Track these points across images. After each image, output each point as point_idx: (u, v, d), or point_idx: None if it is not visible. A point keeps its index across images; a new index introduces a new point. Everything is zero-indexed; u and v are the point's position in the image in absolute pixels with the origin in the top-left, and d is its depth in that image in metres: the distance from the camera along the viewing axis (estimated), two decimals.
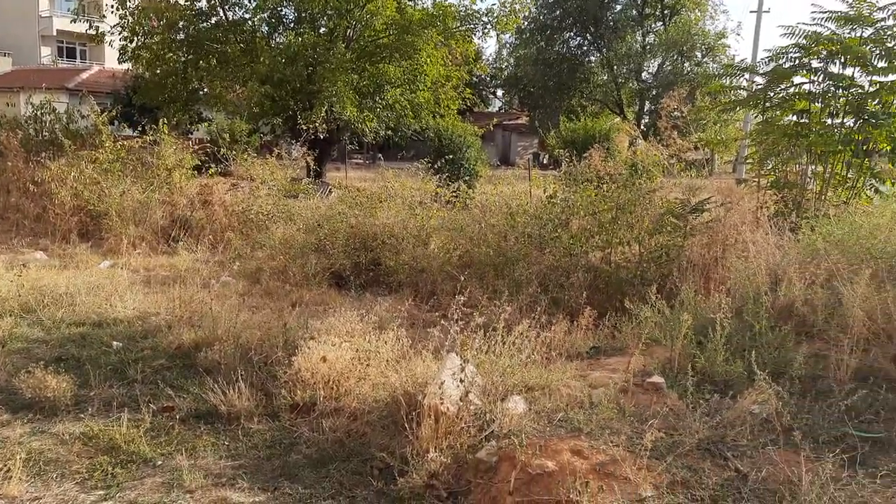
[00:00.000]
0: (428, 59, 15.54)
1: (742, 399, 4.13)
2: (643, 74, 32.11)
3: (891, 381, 4.31)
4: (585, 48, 31.92)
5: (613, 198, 7.80)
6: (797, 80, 8.55)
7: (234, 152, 11.75)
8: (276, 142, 14.80)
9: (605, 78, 32.51)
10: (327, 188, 12.71)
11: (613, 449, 3.50)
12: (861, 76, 8.27)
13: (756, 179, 8.82)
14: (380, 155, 14.91)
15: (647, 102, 31.23)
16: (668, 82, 26.71)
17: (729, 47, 33.82)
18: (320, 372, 4.29)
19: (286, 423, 4.25)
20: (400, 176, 10.24)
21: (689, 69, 28.48)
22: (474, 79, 30.96)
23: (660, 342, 5.24)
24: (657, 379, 4.58)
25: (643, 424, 3.92)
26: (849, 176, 8.48)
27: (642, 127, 26.53)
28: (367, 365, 4.48)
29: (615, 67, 31.66)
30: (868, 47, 8.03)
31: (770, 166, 8.73)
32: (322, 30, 16.58)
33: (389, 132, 17.07)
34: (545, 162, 25.40)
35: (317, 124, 14.61)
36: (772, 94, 8.47)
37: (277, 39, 16.81)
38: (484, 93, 39.42)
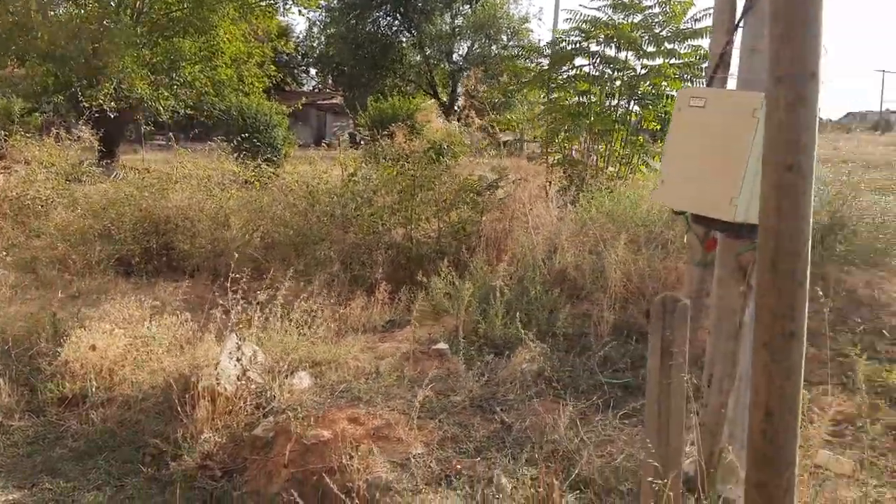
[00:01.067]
0: (225, 35, 14.94)
1: (515, 358, 4.43)
2: (454, 56, 33.03)
3: (642, 334, 4.82)
4: (396, 28, 32.21)
5: (412, 175, 7.99)
6: (580, 62, 9.22)
7: (6, 133, 10.67)
8: (59, 121, 13.60)
9: (418, 59, 33.06)
10: (116, 171, 11.89)
11: (390, 413, 3.64)
12: (634, 60, 9.07)
13: (545, 157, 9.42)
14: (170, 134, 14.00)
15: (459, 84, 32.19)
16: (478, 64, 27.69)
17: (532, 31, 35.57)
18: (91, 362, 4.06)
19: (52, 417, 3.98)
20: (196, 156, 9.81)
21: (496, 51, 29.67)
22: (285, 56, 30.23)
23: (449, 312, 5.49)
24: (441, 346, 4.80)
25: (423, 389, 4.10)
26: (626, 152, 9.28)
27: (456, 108, 27.24)
28: (147, 352, 4.31)
29: (426, 49, 32.27)
30: (639, 33, 8.80)
31: (556, 144, 9.36)
32: (109, 2, 15.38)
33: (191, 111, 16.24)
34: (361, 142, 25.31)
35: (102, 102, 13.58)
36: (556, 76, 9.06)
37: (57, 12, 15.36)
38: (296, 71, 38.61)
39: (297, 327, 4.60)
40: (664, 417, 2.95)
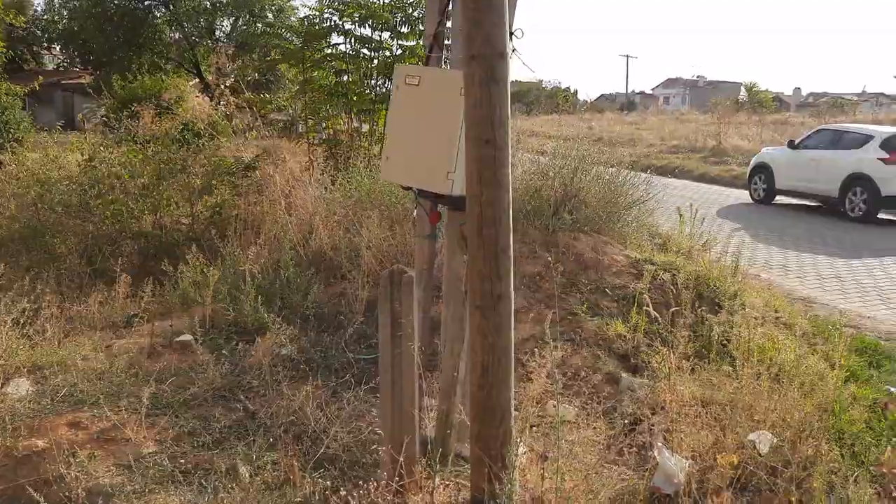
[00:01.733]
0: None
1: (263, 343, 4.32)
2: (216, 33, 31.45)
3: None
4: (149, 2, 29.90)
5: (159, 159, 7.48)
6: (337, 40, 9.15)
7: None
8: None
9: (177, 36, 31.07)
10: None
11: (118, 414, 3.38)
12: (390, 40, 9.17)
13: (307, 137, 9.28)
14: None
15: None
16: (242, 42, 26.58)
17: (297, 10, 34.79)
18: None
19: None
20: None
21: (261, 29, 28.68)
22: (21, 32, 26.83)
23: (198, 301, 5.22)
24: (186, 337, 4.56)
25: (161, 385, 3.86)
26: None
27: (223, 86, 25.90)
28: None
29: (185, 25, 30.38)
30: (393, 13, 8.91)
31: (317, 124, 9.25)
32: None
33: None
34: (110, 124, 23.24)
35: None
36: (311, 54, 8.92)
37: None
38: (35, 48, 34.55)
39: (17, 329, 4.12)
40: (398, 386, 3.03)
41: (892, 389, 4.49)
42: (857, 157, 11.82)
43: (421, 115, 3.11)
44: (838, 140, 12.55)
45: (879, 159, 11.44)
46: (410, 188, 3.27)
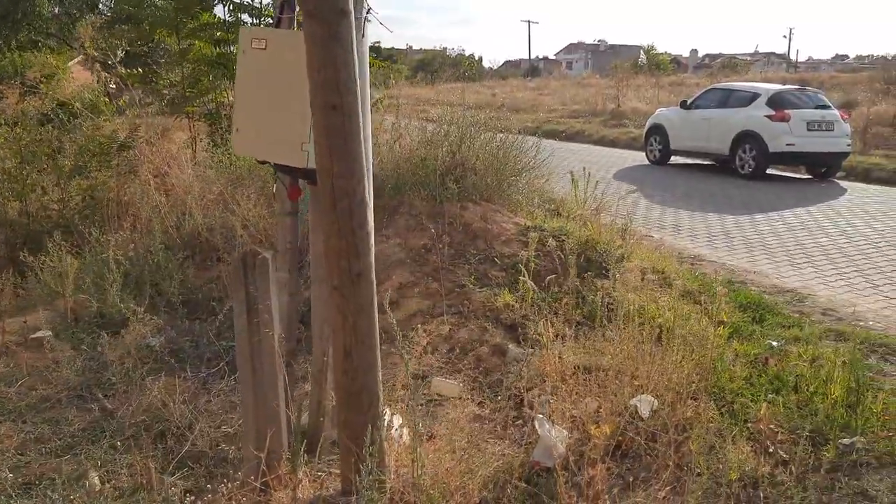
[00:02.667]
0: None
1: (129, 335, 4.00)
2: (99, 6, 29.56)
3: None
4: None
5: (20, 141, 6.89)
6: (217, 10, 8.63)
7: None
8: None
9: (57, 11, 29.05)
10: None
11: None
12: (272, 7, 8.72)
13: (188, 112, 8.76)
14: None
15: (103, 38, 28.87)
16: (126, 14, 25.10)
17: None
18: None
19: None
20: None
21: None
22: None
23: (60, 293, 4.81)
24: (42, 333, 4.18)
25: (9, 387, 3.51)
26: None
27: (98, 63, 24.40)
28: None
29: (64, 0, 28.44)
30: None
31: (197, 97, 8.73)
32: None
33: None
34: None
35: None
36: (186, 22, 8.38)
37: None
38: None
39: None
40: (259, 377, 2.82)
41: (774, 343, 4.58)
42: (745, 115, 12.19)
43: (270, 81, 2.86)
44: (727, 99, 12.92)
45: (766, 116, 11.84)
46: (266, 162, 3.02)
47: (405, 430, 3.34)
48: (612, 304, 4.62)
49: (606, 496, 2.70)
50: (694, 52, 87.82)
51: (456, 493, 2.67)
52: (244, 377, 2.80)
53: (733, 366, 4.06)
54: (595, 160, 15.23)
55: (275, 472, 2.70)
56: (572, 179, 7.69)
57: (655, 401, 3.51)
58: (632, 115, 20.92)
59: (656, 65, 44.07)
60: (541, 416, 3.26)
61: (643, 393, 3.61)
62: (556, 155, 15.95)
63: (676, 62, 71.45)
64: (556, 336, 4.08)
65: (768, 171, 12.52)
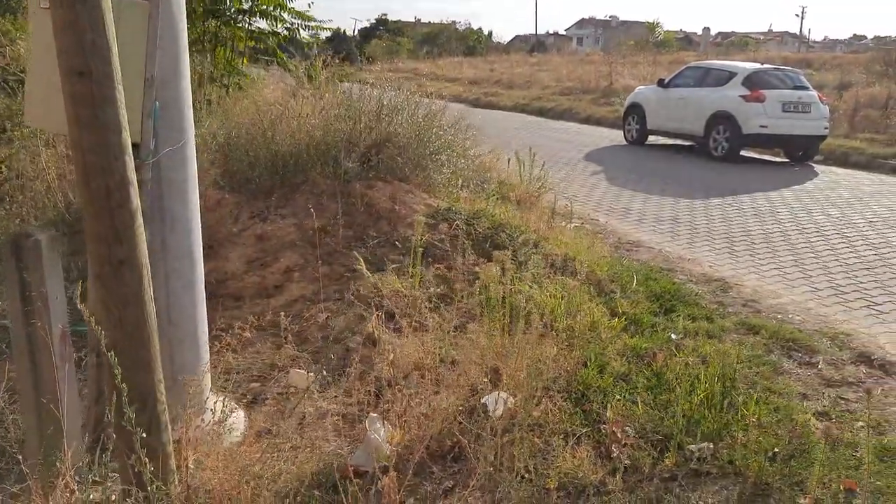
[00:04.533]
0: None
1: None
2: None
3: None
4: None
5: None
6: None
7: None
8: None
9: None
10: None
11: None
12: None
13: None
14: None
15: None
16: None
17: None
18: None
19: None
20: None
21: None
22: None
23: None
24: None
25: None
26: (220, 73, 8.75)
27: None
28: None
29: None
30: None
31: None
32: None
33: None
34: None
35: None
36: None
37: None
38: None
39: None
40: (38, 374, 2.62)
41: (674, 336, 4.36)
42: (720, 95, 11.84)
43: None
44: (704, 78, 12.55)
45: (741, 96, 11.48)
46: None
47: (234, 426, 3.16)
48: (508, 292, 4.41)
49: None
50: (706, 30, 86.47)
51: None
52: (21, 370, 2.61)
53: (615, 361, 3.83)
54: (573, 139, 14.93)
55: (46, 481, 2.51)
56: (517, 160, 7.45)
57: (510, 398, 3.30)
58: (622, 94, 20.50)
59: (661, 42, 43.26)
60: (374, 414, 3.05)
61: (503, 389, 3.41)
62: (534, 133, 15.72)
63: (689, 40, 70.42)
64: (433, 326, 3.88)
65: (743, 154, 12.20)
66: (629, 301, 4.81)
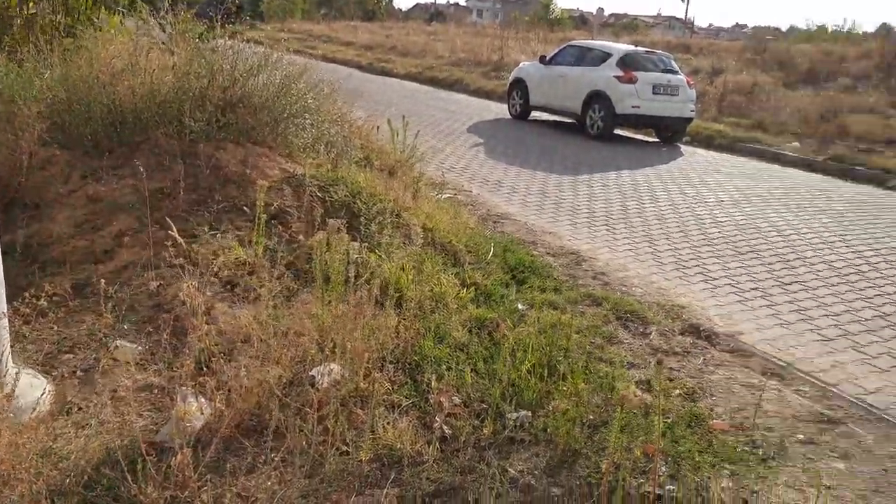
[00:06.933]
0: None
1: None
2: None
3: None
4: None
5: None
6: None
7: None
8: None
9: None
10: None
11: None
12: None
13: None
14: None
15: None
16: None
17: None
18: None
19: None
20: None
21: None
22: None
23: None
24: None
25: None
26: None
27: None
28: None
29: None
30: None
31: None
32: None
33: None
34: None
35: None
36: None
37: None
38: None
39: None
40: None
41: (521, 307, 4.43)
42: (596, 75, 12.12)
43: None
44: (583, 57, 12.81)
45: (615, 77, 11.80)
46: None
47: (34, 400, 2.94)
48: (352, 262, 4.33)
49: (199, 482, 2.40)
50: (600, 10, 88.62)
51: (21, 483, 2.29)
52: None
53: (457, 331, 3.84)
54: (460, 110, 14.96)
55: None
56: (389, 127, 7.34)
57: (340, 370, 3.24)
58: (512, 68, 20.69)
59: (556, 20, 43.94)
60: (184, 388, 2.92)
61: (336, 361, 3.34)
62: (422, 102, 15.64)
63: (583, 19, 71.88)
64: (268, 294, 3.75)
65: (618, 133, 12.59)
66: (482, 272, 4.85)
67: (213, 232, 4.47)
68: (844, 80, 17.50)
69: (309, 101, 5.90)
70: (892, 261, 6.14)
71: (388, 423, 2.92)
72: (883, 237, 6.91)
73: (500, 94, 17.60)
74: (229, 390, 2.99)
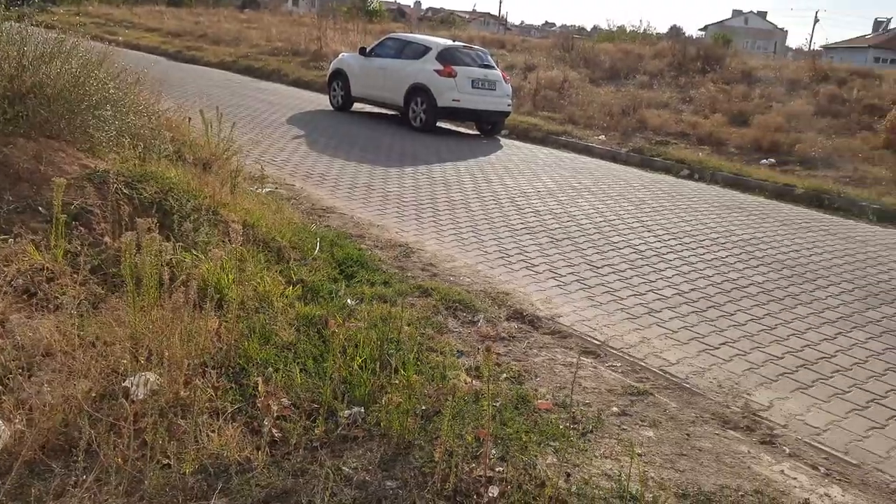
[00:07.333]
0: None
1: None
2: None
3: None
4: None
5: None
6: None
7: None
8: None
9: None
10: None
11: None
12: None
13: None
14: None
15: None
16: None
17: None
18: None
19: None
20: None
21: None
22: None
23: None
24: None
25: None
26: None
27: None
28: None
29: None
30: None
31: None
32: None
33: None
34: None
35: None
36: None
37: None
38: None
39: None
40: None
41: (350, 302, 4.37)
42: (417, 68, 12.28)
43: None
44: (403, 50, 12.93)
45: (435, 71, 12.02)
46: None
47: None
48: (167, 264, 4.06)
49: None
50: (418, 3, 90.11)
51: None
52: None
53: (284, 331, 3.72)
54: (279, 101, 14.55)
55: None
56: (203, 119, 6.96)
57: (157, 379, 3.02)
58: (332, 59, 20.43)
59: (374, 11, 43.92)
60: None
61: (152, 369, 3.11)
62: (238, 93, 15.02)
63: (401, 12, 72.59)
64: (71, 302, 3.42)
65: (440, 125, 12.85)
66: (309, 268, 4.75)
67: (3, 237, 4.00)
68: (642, 78, 19.04)
69: (111, 91, 5.45)
70: (686, 243, 6.77)
71: (212, 432, 2.77)
72: (679, 222, 7.61)
73: (319, 85, 17.34)
74: (31, 409, 2.70)
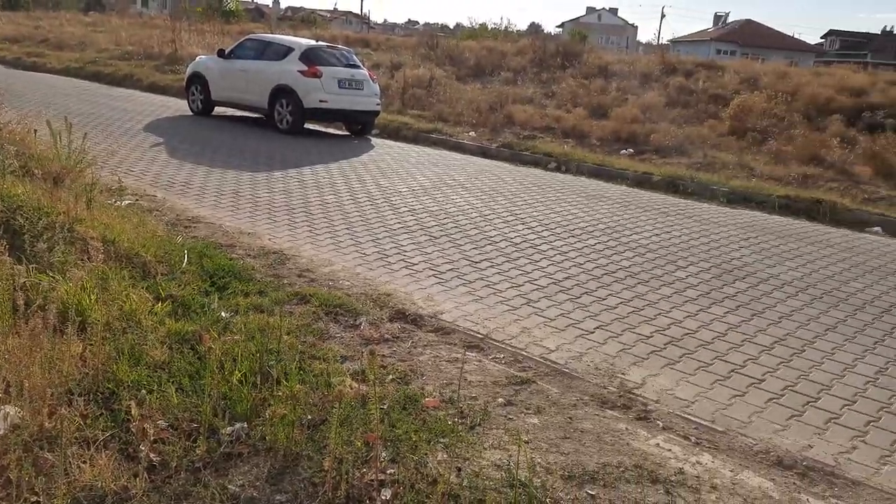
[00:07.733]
0: None
1: None
2: None
3: None
4: None
5: None
6: None
7: None
8: None
9: None
10: None
11: None
12: None
13: None
14: None
15: None
16: None
17: None
18: None
19: None
20: None
21: None
22: None
23: None
24: None
25: None
26: None
27: None
28: None
29: None
30: None
31: None
32: None
33: None
34: None
35: None
36: None
37: None
38: None
39: None
40: None
41: (225, 314, 4.20)
42: (280, 69, 12.02)
43: None
44: (264, 51, 12.62)
45: (299, 72, 11.80)
46: None
47: None
48: (20, 288, 3.75)
49: None
50: (276, 3, 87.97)
51: None
52: None
53: (155, 350, 3.53)
54: (134, 107, 13.80)
55: None
56: (50, 129, 6.48)
57: (17, 412, 2.78)
58: (189, 61, 19.61)
59: (230, 12, 42.46)
60: None
61: (10, 402, 2.86)
62: (87, 101, 14.11)
63: (260, 12, 70.64)
64: None
65: (308, 127, 12.63)
66: (178, 282, 4.53)
67: None
68: (506, 74, 19.55)
69: None
70: (558, 233, 7.02)
71: (83, 462, 2.58)
72: (550, 213, 7.88)
73: (177, 90, 16.61)
74: None
